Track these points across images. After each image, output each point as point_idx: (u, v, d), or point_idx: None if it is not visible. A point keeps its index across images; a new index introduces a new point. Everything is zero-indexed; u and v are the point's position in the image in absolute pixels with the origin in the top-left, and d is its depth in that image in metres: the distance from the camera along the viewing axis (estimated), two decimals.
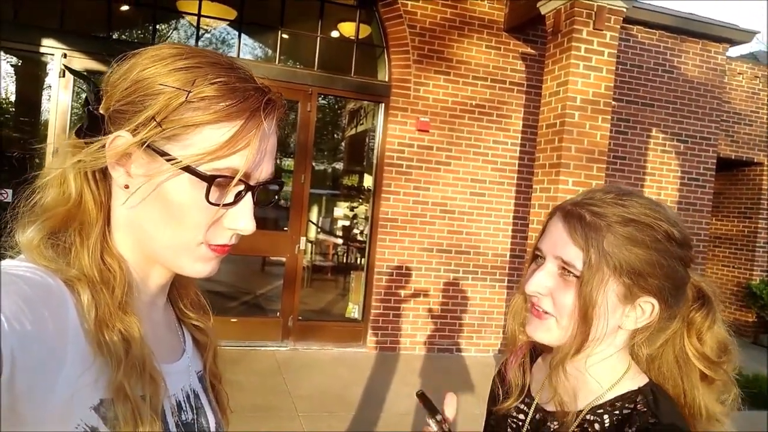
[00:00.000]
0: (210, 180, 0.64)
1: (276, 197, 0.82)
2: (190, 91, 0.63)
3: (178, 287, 0.84)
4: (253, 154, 0.65)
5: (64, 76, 4.99)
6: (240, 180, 0.66)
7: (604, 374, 0.90)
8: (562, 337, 0.88)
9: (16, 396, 0.52)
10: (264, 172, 0.69)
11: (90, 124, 0.67)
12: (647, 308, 0.87)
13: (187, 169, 0.63)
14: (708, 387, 0.90)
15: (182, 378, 0.77)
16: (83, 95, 0.70)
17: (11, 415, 0.53)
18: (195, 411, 0.77)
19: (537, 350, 1.05)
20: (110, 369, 0.61)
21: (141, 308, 0.70)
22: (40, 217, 0.66)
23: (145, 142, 0.64)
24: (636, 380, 0.90)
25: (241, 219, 0.68)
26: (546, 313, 0.89)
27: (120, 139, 0.65)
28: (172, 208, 0.66)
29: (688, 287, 0.91)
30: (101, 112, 0.67)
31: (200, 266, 0.70)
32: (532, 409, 0.98)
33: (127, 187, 0.67)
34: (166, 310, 0.81)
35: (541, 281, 0.89)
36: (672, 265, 0.86)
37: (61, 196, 0.67)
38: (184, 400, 0.76)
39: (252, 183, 0.68)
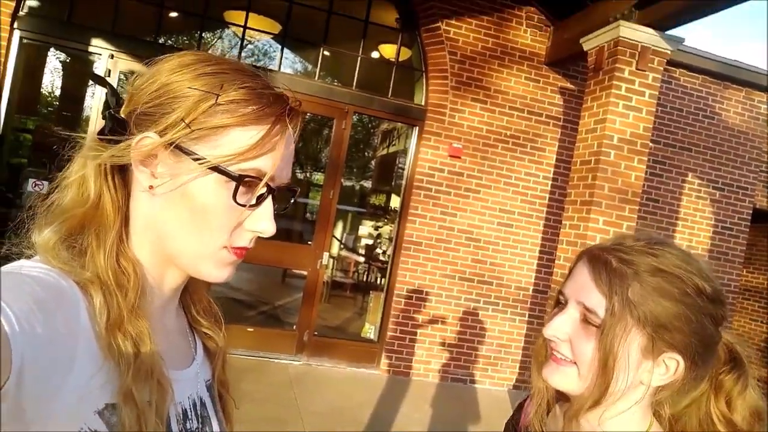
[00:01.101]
0: (239, 180, 0.65)
1: (291, 203, 0.84)
2: (218, 95, 0.64)
3: (191, 293, 0.84)
4: (279, 158, 0.67)
5: (109, 75, 5.12)
6: (266, 183, 0.67)
7: (625, 427, 0.85)
8: (580, 387, 0.85)
9: (25, 396, 0.52)
10: (284, 176, 0.71)
11: (113, 127, 0.68)
12: (671, 365, 0.82)
13: (216, 168, 0.64)
14: None
15: (190, 385, 0.77)
16: (123, 95, 0.71)
17: (19, 415, 0.53)
18: (200, 420, 0.77)
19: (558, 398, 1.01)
20: (119, 373, 0.61)
21: (153, 313, 0.70)
22: (57, 218, 0.67)
23: (173, 142, 0.65)
24: None
25: (263, 221, 0.69)
26: (564, 359, 0.86)
27: (147, 139, 0.66)
28: (197, 208, 0.66)
29: (719, 347, 0.86)
30: (124, 115, 0.68)
31: (218, 271, 0.70)
32: None
33: (151, 188, 0.67)
34: (179, 316, 0.81)
35: (561, 326, 0.86)
36: (701, 321, 0.81)
37: (80, 198, 0.68)
38: (190, 408, 0.75)
39: (273, 186, 0.69)
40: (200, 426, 0.76)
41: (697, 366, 0.83)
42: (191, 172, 0.65)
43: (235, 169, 0.65)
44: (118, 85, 5.16)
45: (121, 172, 0.70)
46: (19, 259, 0.65)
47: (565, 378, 0.86)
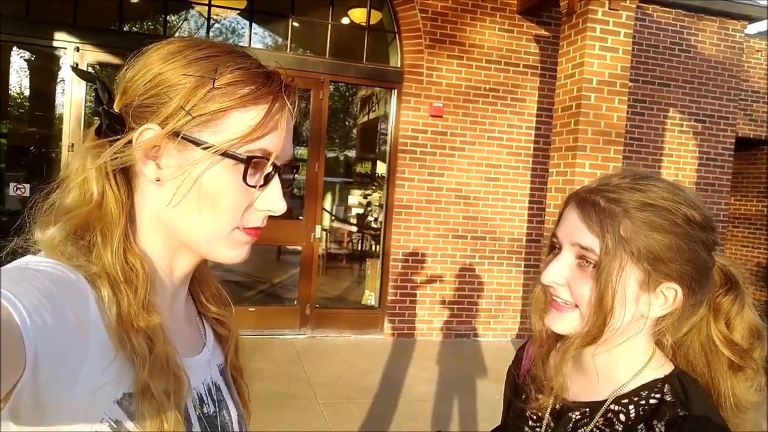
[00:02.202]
0: (248, 161, 0.65)
1: (293, 180, 0.85)
2: (215, 78, 0.64)
3: (198, 281, 0.85)
4: (283, 135, 0.68)
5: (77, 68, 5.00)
6: (273, 162, 0.68)
7: (628, 363, 0.87)
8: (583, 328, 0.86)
9: (40, 388, 0.53)
10: (287, 153, 0.71)
11: (110, 123, 0.67)
12: (670, 295, 0.83)
13: (224, 153, 0.65)
14: (735, 375, 0.86)
15: (204, 371, 0.78)
16: (96, 88, 0.69)
17: (35, 407, 0.54)
18: (217, 404, 0.78)
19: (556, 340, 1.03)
20: (135, 367, 0.62)
21: (163, 304, 0.71)
22: (61, 217, 0.66)
23: (177, 132, 0.64)
24: (661, 368, 0.87)
25: (273, 199, 0.69)
26: (565, 303, 0.86)
27: (149, 131, 0.65)
28: (209, 194, 0.66)
29: (714, 271, 0.87)
30: (118, 110, 0.67)
31: (234, 252, 0.71)
32: (552, 399, 0.95)
33: (159, 180, 0.67)
34: (187, 304, 0.82)
35: (558, 271, 0.86)
36: (693, 249, 0.82)
37: (82, 197, 0.67)
38: (205, 394, 0.76)
39: (278, 164, 0.70)
40: (217, 410, 0.77)
41: (694, 292, 0.84)
42: (199, 160, 0.65)
43: (241, 151, 0.65)
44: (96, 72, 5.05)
45: (122, 168, 0.69)
46: (24, 255, 0.65)
47: (567, 322, 0.86)
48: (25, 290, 0.54)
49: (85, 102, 5.06)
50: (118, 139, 0.66)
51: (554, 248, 0.90)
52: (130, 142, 0.66)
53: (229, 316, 0.87)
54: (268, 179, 0.69)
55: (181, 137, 0.65)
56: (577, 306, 0.85)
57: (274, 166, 0.69)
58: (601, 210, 0.83)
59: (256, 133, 0.65)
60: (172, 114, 0.64)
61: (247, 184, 0.66)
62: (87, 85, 5.09)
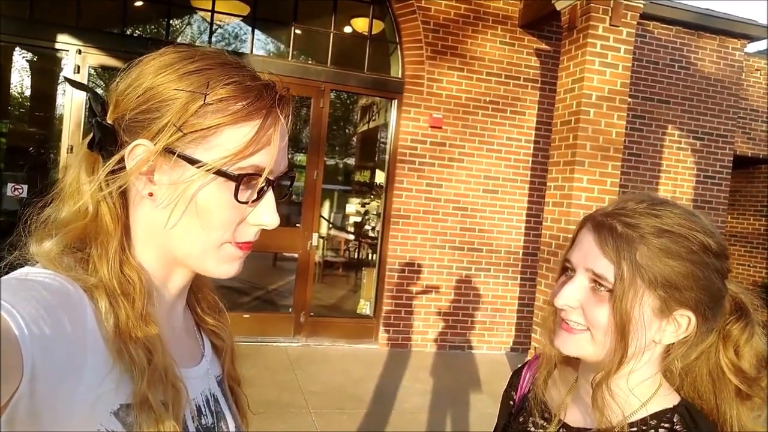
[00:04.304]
0: (239, 179, 0.65)
1: (289, 190, 0.84)
2: (206, 94, 0.63)
3: (195, 292, 0.84)
4: (276, 151, 0.67)
5: (78, 71, 5.02)
6: (266, 177, 0.67)
7: (637, 391, 0.87)
8: (596, 352, 0.85)
9: (36, 399, 0.53)
10: (282, 166, 0.70)
11: (102, 137, 0.67)
12: (683, 322, 0.84)
13: (217, 171, 0.64)
14: (742, 403, 0.86)
15: (202, 382, 0.78)
16: (99, 90, 0.69)
17: (31, 417, 0.54)
18: (215, 415, 0.77)
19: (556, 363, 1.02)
20: (133, 379, 0.62)
21: (161, 315, 0.70)
22: (56, 231, 0.66)
23: (169, 149, 0.64)
24: (669, 398, 0.87)
25: (266, 214, 0.69)
26: (577, 325, 0.86)
27: (140, 147, 0.65)
28: (201, 211, 0.66)
29: (725, 299, 0.87)
30: (111, 122, 0.67)
31: (226, 267, 0.71)
32: (553, 424, 0.94)
33: (151, 194, 0.67)
34: (185, 315, 0.82)
35: (572, 294, 0.86)
36: (709, 277, 0.82)
37: (78, 211, 0.67)
38: (204, 405, 0.76)
39: (272, 178, 0.69)
40: (215, 421, 0.77)
41: (707, 320, 0.84)
42: (191, 177, 0.64)
43: (234, 168, 0.65)
44: (89, 81, 5.07)
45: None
46: (22, 267, 0.65)
47: (578, 345, 0.86)
48: (24, 301, 0.54)
49: (86, 105, 5.06)
50: (110, 154, 0.66)
51: (566, 270, 0.90)
52: (122, 158, 0.65)
53: (223, 327, 0.86)
54: (261, 194, 0.68)
55: (170, 152, 0.64)
56: (588, 329, 0.85)
57: (267, 180, 0.68)
58: (618, 235, 0.83)
59: (248, 150, 0.65)
60: (163, 130, 0.64)
61: (239, 201, 0.66)
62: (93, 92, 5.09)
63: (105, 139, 0.67)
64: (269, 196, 0.69)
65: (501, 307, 6.17)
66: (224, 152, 0.64)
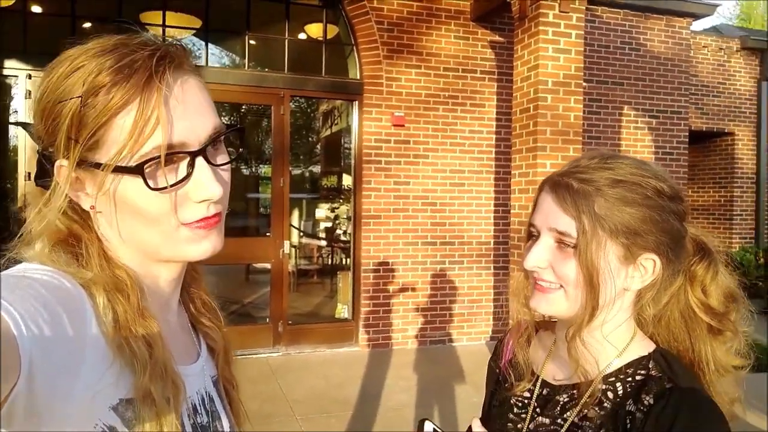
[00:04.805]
0: (140, 170, 0.61)
1: (241, 143, 0.78)
2: (81, 96, 0.61)
3: (188, 291, 0.84)
4: (168, 123, 0.62)
5: (30, 96, 4.90)
6: (177, 153, 0.63)
7: (615, 338, 0.90)
8: (570, 308, 0.87)
9: (35, 396, 0.52)
10: (201, 130, 0.65)
11: (39, 172, 0.67)
12: (649, 265, 0.87)
13: (118, 169, 0.62)
14: (715, 338, 0.90)
15: (198, 380, 0.77)
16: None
17: (29, 414, 0.53)
18: (210, 414, 0.77)
19: (536, 328, 1.04)
20: (135, 373, 0.61)
21: (155, 312, 0.70)
22: (40, 236, 0.66)
23: (79, 161, 0.63)
24: (643, 346, 0.90)
25: (203, 187, 0.65)
26: (550, 285, 0.88)
27: (62, 168, 0.64)
28: (132, 209, 0.65)
29: (687, 241, 0.91)
30: (41, 152, 0.67)
31: (195, 248, 0.68)
32: (538, 385, 0.97)
33: (93, 207, 0.66)
34: (180, 313, 0.81)
35: (540, 255, 0.88)
36: (666, 219, 0.86)
37: (53, 231, 0.67)
38: (199, 403, 0.75)
39: (194, 148, 0.64)
40: (210, 420, 0.76)
41: (671, 261, 0.87)
42: (106, 181, 0.63)
43: (137, 158, 0.61)
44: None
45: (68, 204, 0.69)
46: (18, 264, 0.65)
47: (553, 303, 0.89)
48: (22, 298, 0.53)
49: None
50: (47, 185, 0.66)
51: (532, 236, 0.92)
52: (57, 184, 0.65)
53: (217, 328, 0.85)
54: (191, 168, 0.64)
55: (83, 164, 0.63)
56: (561, 286, 0.87)
57: (190, 153, 0.64)
58: (575, 191, 0.85)
59: (138, 134, 0.61)
60: (65, 146, 0.63)
61: (152, 189, 0.62)
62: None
63: (39, 172, 0.67)
64: (201, 168, 0.65)
65: (477, 298, 6.23)
66: (118, 147, 0.61)
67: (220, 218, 0.70)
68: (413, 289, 6.01)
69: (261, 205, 7.63)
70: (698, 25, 7.57)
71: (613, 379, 0.88)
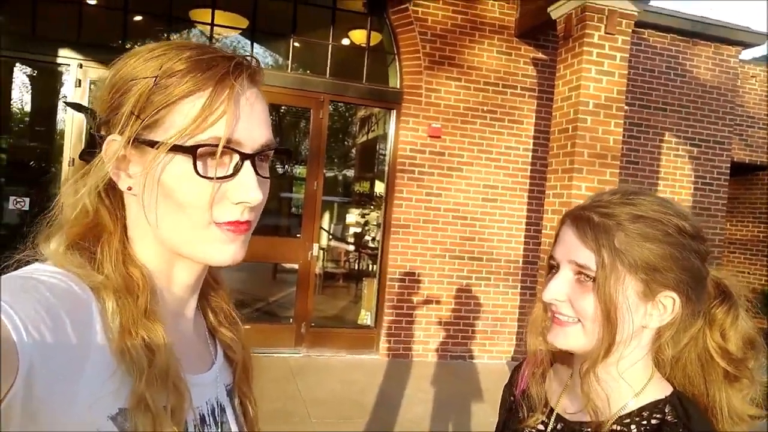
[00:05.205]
0: (193, 151, 0.63)
1: (287, 163, 0.81)
2: (157, 76, 0.64)
3: (207, 299, 0.83)
4: (233, 118, 0.64)
5: (80, 85, 5.06)
6: (231, 149, 0.64)
7: (632, 377, 0.88)
8: (588, 343, 0.87)
9: (34, 402, 0.52)
10: (257, 138, 0.67)
11: (89, 145, 0.69)
12: (668, 303, 0.86)
13: (173, 148, 0.63)
14: (731, 385, 0.88)
15: (209, 390, 0.76)
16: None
17: (27, 419, 0.53)
18: (220, 425, 0.75)
19: (552, 361, 1.03)
20: (132, 380, 0.60)
21: (167, 317, 0.69)
22: (60, 230, 0.67)
23: (133, 137, 0.64)
24: (661, 388, 0.89)
25: (245, 190, 0.65)
26: (568, 319, 0.88)
27: (112, 143, 0.66)
28: (172, 193, 0.65)
29: (708, 282, 0.89)
30: (96, 126, 0.69)
31: (219, 251, 0.68)
32: (552, 419, 0.96)
33: (130, 189, 0.67)
34: (197, 321, 0.80)
35: (558, 288, 0.88)
36: (687, 258, 0.85)
37: (78, 214, 0.68)
38: (208, 414, 0.74)
39: (247, 151, 0.66)
40: (219, 431, 0.75)
41: (691, 300, 0.86)
42: (155, 161, 0.64)
43: (191, 142, 0.63)
44: (89, 94, 5.11)
45: (114, 185, 0.70)
46: (31, 263, 0.65)
47: (570, 337, 0.88)
48: (25, 303, 0.53)
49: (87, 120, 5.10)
50: (94, 158, 0.67)
51: (552, 268, 0.92)
52: (101, 159, 0.66)
53: (238, 339, 0.84)
54: (237, 169, 0.65)
55: (136, 141, 0.64)
56: (579, 321, 0.87)
57: (242, 153, 0.65)
58: (595, 225, 0.85)
59: (201, 121, 0.63)
60: (125, 121, 0.64)
61: (200, 175, 0.63)
62: (89, 100, 5.14)
63: (89, 145, 0.68)
64: (247, 171, 0.66)
65: (502, 317, 6.17)
66: (179, 127, 0.63)
67: (250, 228, 0.69)
68: (438, 302, 5.99)
69: (293, 205, 7.71)
70: (747, 53, 7.40)
71: (629, 421, 0.87)
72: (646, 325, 0.87)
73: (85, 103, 4.94)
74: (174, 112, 0.64)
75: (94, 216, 0.68)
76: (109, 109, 0.66)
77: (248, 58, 0.69)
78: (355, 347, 5.85)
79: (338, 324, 6.50)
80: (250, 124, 0.66)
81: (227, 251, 0.68)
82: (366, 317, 6.22)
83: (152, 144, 0.64)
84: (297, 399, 4.47)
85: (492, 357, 6.12)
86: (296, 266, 5.87)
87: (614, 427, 0.87)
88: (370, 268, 6.91)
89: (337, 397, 4.62)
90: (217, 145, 0.63)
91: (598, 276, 0.84)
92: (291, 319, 5.86)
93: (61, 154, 5.11)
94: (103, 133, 0.67)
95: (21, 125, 7.08)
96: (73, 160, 4.97)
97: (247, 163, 0.66)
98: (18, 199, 5.00)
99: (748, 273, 8.88)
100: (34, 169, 6.42)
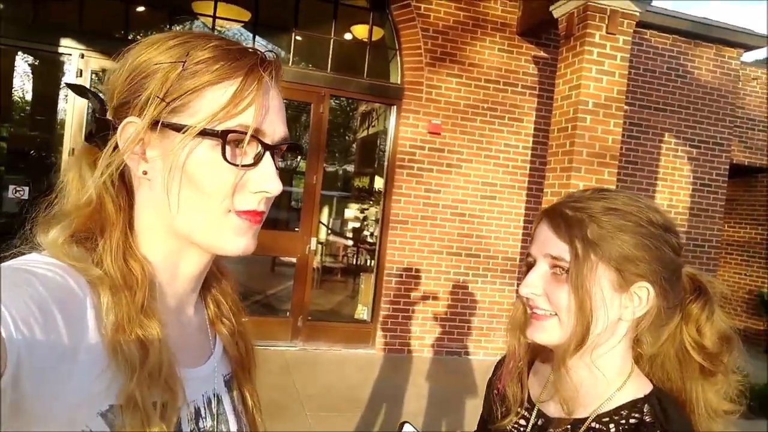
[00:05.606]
0: (223, 136, 0.63)
1: (298, 159, 0.84)
2: (185, 61, 0.64)
3: (210, 291, 0.82)
4: (261, 109, 0.65)
5: (81, 75, 5.06)
6: (256, 139, 0.65)
7: (610, 371, 0.89)
8: (564, 336, 0.87)
9: (22, 398, 0.52)
10: (277, 131, 0.68)
11: (97, 127, 0.68)
12: (643, 294, 0.86)
13: (202, 132, 0.63)
14: (707, 380, 0.89)
15: (205, 383, 0.75)
16: (101, 94, 0.72)
17: (15, 415, 0.52)
18: (215, 418, 0.75)
19: (535, 357, 1.04)
20: (124, 376, 0.60)
21: (166, 311, 0.69)
22: (62, 219, 0.66)
23: (155, 120, 0.64)
24: (640, 385, 0.89)
25: (266, 179, 0.66)
26: (545, 313, 0.88)
27: (130, 125, 0.65)
28: (194, 178, 0.65)
29: (683, 276, 0.91)
30: (109, 116, 0.68)
31: (234, 239, 0.68)
32: (534, 414, 0.96)
33: (145, 173, 0.66)
34: (198, 312, 0.79)
35: (533, 282, 0.89)
36: (659, 248, 0.86)
37: (81, 202, 0.67)
38: (204, 407, 0.73)
39: (268, 142, 0.67)
40: (215, 424, 0.74)
41: (666, 291, 0.87)
42: (179, 144, 0.63)
43: (221, 128, 0.63)
44: (91, 85, 5.12)
45: (121, 172, 0.69)
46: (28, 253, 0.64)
47: (547, 331, 0.88)
48: (15, 297, 0.52)
49: (88, 108, 5.11)
50: (107, 142, 0.66)
51: (530, 266, 0.93)
52: (116, 142, 0.65)
53: (239, 332, 0.83)
54: (258, 159, 0.66)
55: (160, 125, 0.64)
56: (555, 314, 0.87)
57: (264, 144, 0.66)
58: (568, 218, 0.87)
59: (230, 108, 0.63)
60: (147, 103, 0.64)
61: (227, 161, 0.63)
62: (93, 86, 5.14)
63: (99, 128, 0.67)
64: (268, 161, 0.67)
65: (498, 313, 6.19)
66: (207, 112, 0.63)
67: (262, 219, 0.70)
68: (434, 298, 6.01)
69: (292, 198, 7.73)
70: (749, 56, 7.40)
71: (607, 419, 0.87)
72: (622, 317, 0.88)
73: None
74: (202, 97, 0.64)
75: (97, 206, 0.66)
76: (128, 91, 0.65)
77: (273, 55, 0.70)
78: (351, 341, 5.88)
79: (335, 318, 6.53)
80: (275, 116, 0.68)
81: (240, 241, 0.68)
82: (363, 312, 6.24)
83: (179, 128, 0.63)
84: (291, 392, 4.50)
85: (488, 353, 6.14)
86: (294, 260, 5.89)
87: (593, 425, 0.87)
88: (368, 263, 6.93)
89: (331, 390, 4.64)
90: (244, 132, 0.64)
91: (572, 267, 0.85)
92: (288, 313, 5.88)
93: (61, 144, 5.12)
94: (116, 117, 0.66)
95: (21, 114, 7.09)
96: (73, 150, 4.98)
97: (268, 154, 0.67)
98: (17, 188, 5.01)
99: (745, 274, 8.90)
100: (34, 158, 6.42)
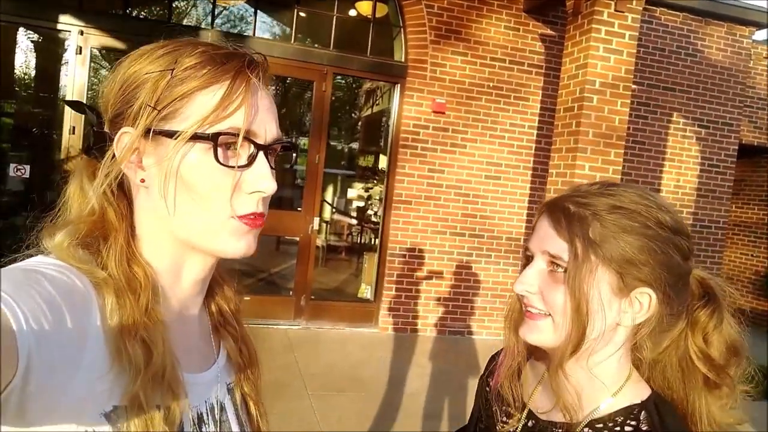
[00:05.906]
0: (214, 139, 0.64)
1: (292, 160, 0.85)
2: (173, 69, 0.65)
3: (213, 297, 0.83)
4: (250, 110, 0.66)
5: (80, 52, 5.01)
6: (248, 140, 0.66)
7: (607, 376, 0.84)
8: (557, 339, 0.82)
9: (28, 395, 0.52)
10: (269, 131, 0.69)
11: (95, 141, 0.70)
12: (644, 300, 0.80)
13: (193, 137, 0.64)
14: (711, 392, 0.84)
15: (208, 389, 0.75)
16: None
17: (20, 413, 0.53)
18: (218, 425, 0.75)
19: (528, 356, 0.99)
20: (128, 378, 0.61)
21: (170, 316, 0.69)
22: (66, 226, 0.68)
23: (148, 128, 0.65)
24: (638, 391, 0.84)
25: (260, 179, 0.67)
26: (539, 312, 0.84)
27: (125, 135, 0.67)
28: (189, 182, 0.66)
29: (691, 282, 0.85)
30: (107, 128, 0.69)
31: (234, 243, 0.69)
32: (524, 415, 0.92)
33: (143, 181, 0.68)
34: (202, 318, 0.80)
35: (529, 279, 0.84)
36: (666, 252, 0.80)
37: (84, 213, 0.69)
38: (207, 412, 0.74)
39: (260, 142, 0.68)
40: (217, 430, 0.74)
41: (670, 299, 0.81)
42: (173, 150, 0.65)
43: (211, 131, 0.64)
44: (91, 61, 5.07)
45: (120, 182, 0.70)
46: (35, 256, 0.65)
47: (540, 332, 0.84)
48: (26, 295, 0.53)
49: (88, 86, 5.07)
50: (105, 154, 0.67)
51: (528, 260, 0.88)
52: (113, 154, 0.67)
53: (241, 340, 0.84)
54: (251, 159, 0.67)
55: (153, 132, 0.65)
56: (549, 315, 0.83)
57: (257, 144, 0.67)
58: (570, 214, 0.81)
59: (220, 111, 0.65)
60: (140, 113, 0.65)
61: (220, 163, 0.65)
62: (90, 68, 5.10)
63: (96, 141, 0.69)
64: (261, 161, 0.68)
65: (501, 294, 6.18)
66: (198, 117, 0.64)
67: (263, 221, 0.71)
68: (438, 278, 6.01)
69: (297, 176, 7.69)
70: (761, 34, 7.26)
71: (601, 425, 0.82)
72: (620, 323, 0.82)
73: (86, 71, 4.88)
74: (192, 102, 0.65)
75: (99, 215, 0.68)
76: (121, 103, 0.67)
77: (260, 56, 0.71)
78: (355, 321, 5.89)
79: (338, 297, 6.54)
80: (265, 117, 0.69)
81: (242, 243, 0.69)
82: (366, 291, 6.25)
83: (171, 134, 0.65)
84: (294, 371, 4.52)
85: (490, 333, 6.16)
86: (297, 239, 5.88)
87: (585, 430, 0.83)
88: (372, 242, 6.92)
89: (334, 369, 4.66)
90: (235, 134, 0.65)
91: (570, 267, 0.79)
92: (291, 292, 5.89)
93: (62, 122, 5.09)
94: (111, 128, 0.68)
95: (25, 91, 7.05)
96: (74, 128, 4.95)
97: (261, 154, 0.68)
98: (19, 167, 5.00)
99: (752, 255, 8.86)
100: (36, 135, 6.40)
